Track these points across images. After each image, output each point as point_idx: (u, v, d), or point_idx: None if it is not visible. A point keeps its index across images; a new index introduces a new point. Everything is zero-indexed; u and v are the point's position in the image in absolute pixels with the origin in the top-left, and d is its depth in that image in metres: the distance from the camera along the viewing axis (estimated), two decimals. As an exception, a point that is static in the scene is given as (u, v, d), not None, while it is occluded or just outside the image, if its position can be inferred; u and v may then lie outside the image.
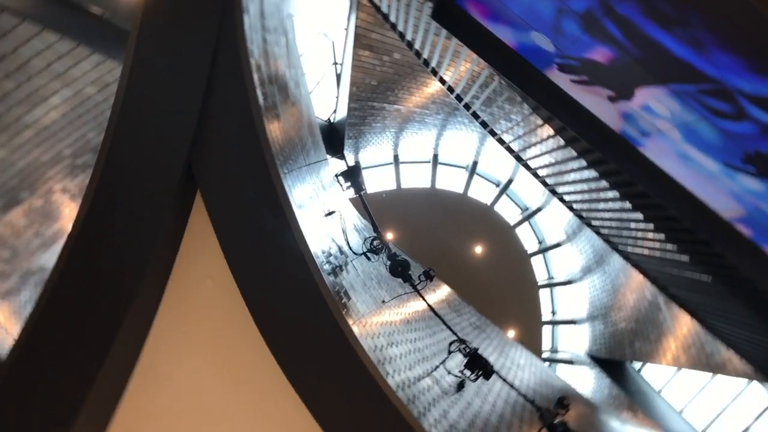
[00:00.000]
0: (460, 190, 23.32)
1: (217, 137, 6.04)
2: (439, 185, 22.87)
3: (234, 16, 5.91)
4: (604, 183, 5.32)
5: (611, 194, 5.41)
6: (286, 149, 7.04)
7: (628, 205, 5.20)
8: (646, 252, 6.09)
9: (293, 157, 7.33)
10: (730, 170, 2.85)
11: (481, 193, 24.20)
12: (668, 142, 2.98)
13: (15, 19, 7.24)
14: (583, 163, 5.35)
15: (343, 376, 5.35)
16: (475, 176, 23.88)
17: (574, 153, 5.42)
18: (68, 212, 10.80)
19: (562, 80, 3.16)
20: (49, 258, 11.13)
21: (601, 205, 6.00)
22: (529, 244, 24.20)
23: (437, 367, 6.97)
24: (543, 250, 23.63)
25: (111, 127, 5.88)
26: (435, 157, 23.21)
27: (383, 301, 7.61)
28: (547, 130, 5.63)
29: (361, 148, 19.36)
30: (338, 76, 17.62)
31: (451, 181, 23.62)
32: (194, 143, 5.94)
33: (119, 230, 6.11)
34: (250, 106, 5.92)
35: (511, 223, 23.74)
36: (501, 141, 7.28)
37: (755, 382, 12.37)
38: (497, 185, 24.45)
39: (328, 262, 6.33)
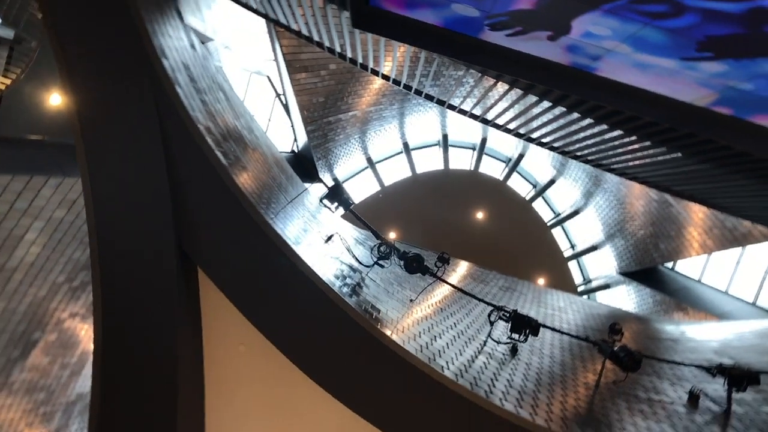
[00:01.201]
0: (440, 166, 23.33)
1: (195, 211, 6.02)
2: (419, 169, 22.87)
3: (167, 93, 5.89)
4: (574, 114, 5.33)
5: (585, 122, 5.42)
6: (265, 195, 7.03)
7: (604, 126, 5.21)
8: (637, 162, 6.10)
9: (274, 199, 7.32)
10: (689, 62, 2.86)
11: (462, 161, 24.25)
12: (620, 57, 2.99)
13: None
14: (548, 103, 5.37)
15: (402, 387, 5.33)
16: (450, 148, 23.90)
17: (535, 98, 5.44)
18: (84, 333, 10.77)
19: (498, 38, 3.16)
20: (84, 383, 11.11)
21: (580, 135, 6.01)
22: (525, 191, 24.25)
23: (485, 342, 6.96)
24: (540, 192, 23.67)
25: (93, 242, 5.86)
26: (405, 145, 23.21)
27: (411, 300, 7.61)
28: (502, 86, 5.64)
29: (333, 164, 19.32)
30: (285, 106, 17.60)
31: (429, 162, 23.65)
32: (177, 226, 5.92)
33: (137, 333, 6.10)
34: (215, 170, 5.91)
35: (501, 178, 23.76)
36: (462, 111, 7.27)
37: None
38: (474, 149, 24.48)
39: (345, 284, 6.31)
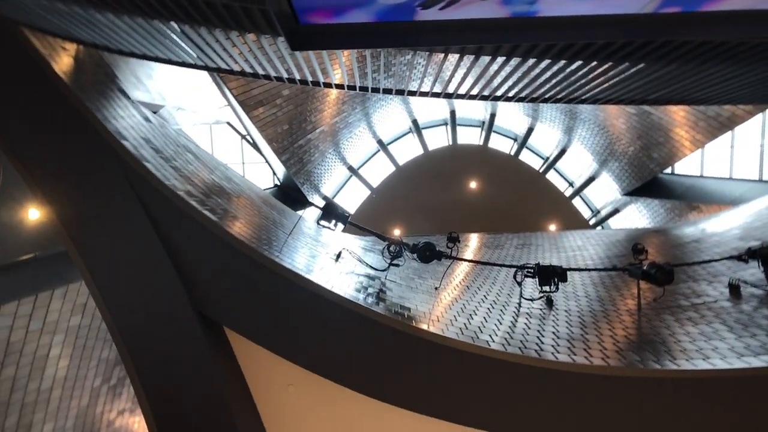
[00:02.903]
0: (420, 151, 23.35)
1: (203, 274, 6.03)
2: (401, 161, 22.88)
3: (137, 172, 5.90)
4: (530, 61, 5.34)
5: (543, 65, 5.43)
6: (263, 236, 7.03)
7: (563, 62, 5.22)
8: (606, 86, 6.11)
9: (274, 237, 7.32)
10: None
11: (439, 139, 24.29)
12: (556, -8, 3.00)
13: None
14: (501, 59, 5.37)
15: (456, 373, 5.33)
16: (423, 131, 23.94)
17: (487, 58, 5.44)
18: (137, 425, 10.78)
19: (432, 15, 3.17)
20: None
21: (542, 79, 6.01)
22: (507, 147, 24.29)
23: (519, 303, 6.97)
24: (523, 143, 23.69)
25: (117, 338, 5.88)
26: (380, 142, 23.25)
27: (436, 288, 7.60)
28: (453, 57, 5.64)
29: (319, 184, 19.35)
30: (254, 145, 17.62)
31: (408, 150, 23.69)
32: (190, 295, 5.93)
33: (188, 410, 6.09)
34: (207, 229, 5.92)
35: (481, 143, 23.78)
36: (423, 93, 7.28)
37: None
38: (446, 124, 24.51)
39: (368, 294, 6.31)
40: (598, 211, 22.37)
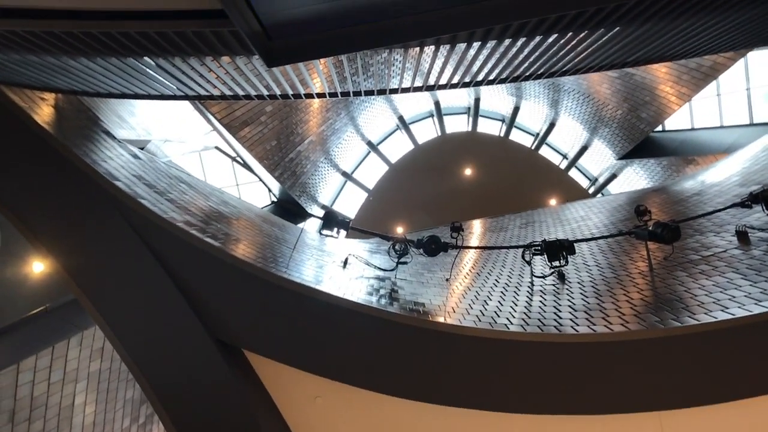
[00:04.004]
0: (410, 146, 23.36)
1: (214, 299, 6.03)
2: (393, 159, 22.90)
3: (134, 210, 5.92)
4: (506, 41, 5.33)
5: (519, 43, 5.42)
6: (268, 254, 7.03)
7: (538, 38, 5.21)
8: (584, 54, 6.10)
9: (279, 253, 7.33)
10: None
11: (427, 132, 24.32)
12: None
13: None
14: (477, 43, 5.36)
15: (479, 362, 5.33)
16: (411, 126, 23.95)
17: (463, 44, 5.43)
18: (172, 460, 10.77)
19: (403, 11, 3.18)
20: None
21: (520, 57, 6.00)
22: (496, 129, 24.28)
23: (532, 283, 6.96)
24: (511, 124, 23.70)
25: (139, 377, 5.88)
26: (370, 143, 23.25)
27: (446, 280, 7.61)
28: (429, 48, 5.64)
29: (315, 194, 19.35)
30: (245, 165, 17.63)
31: (399, 148, 23.70)
32: (204, 322, 5.94)
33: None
34: (212, 255, 5.93)
35: (470, 129, 23.78)
36: (405, 90, 7.27)
37: (749, 54, 12.48)
38: (432, 116, 24.52)
39: (381, 296, 6.32)
40: (596, 179, 22.35)
